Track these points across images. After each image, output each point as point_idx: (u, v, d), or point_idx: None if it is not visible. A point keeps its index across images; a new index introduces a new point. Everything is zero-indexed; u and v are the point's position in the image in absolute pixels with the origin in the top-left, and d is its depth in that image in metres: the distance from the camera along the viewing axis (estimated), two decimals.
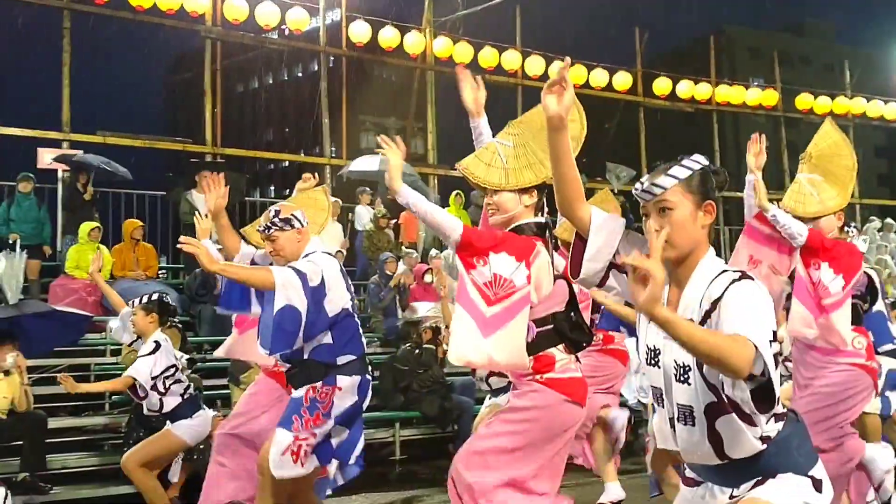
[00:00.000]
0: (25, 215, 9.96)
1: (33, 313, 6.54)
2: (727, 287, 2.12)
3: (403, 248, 11.94)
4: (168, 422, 5.53)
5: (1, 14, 13.31)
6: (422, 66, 15.36)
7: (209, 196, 4.60)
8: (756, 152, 4.84)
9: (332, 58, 15.27)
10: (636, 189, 2.32)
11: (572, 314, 3.46)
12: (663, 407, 2.30)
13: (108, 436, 7.50)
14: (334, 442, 4.23)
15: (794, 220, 4.73)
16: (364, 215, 12.44)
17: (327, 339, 4.16)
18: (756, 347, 1.97)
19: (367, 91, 28.58)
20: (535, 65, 15.37)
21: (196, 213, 5.29)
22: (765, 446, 2.21)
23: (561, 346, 3.41)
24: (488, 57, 14.95)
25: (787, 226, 4.69)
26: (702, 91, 17.45)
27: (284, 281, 3.97)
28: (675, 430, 2.28)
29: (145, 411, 5.63)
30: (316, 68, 26.47)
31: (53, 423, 6.95)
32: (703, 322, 2.14)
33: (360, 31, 13.80)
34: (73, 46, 11.63)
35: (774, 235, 4.84)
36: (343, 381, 4.19)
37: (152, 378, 5.38)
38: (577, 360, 3.51)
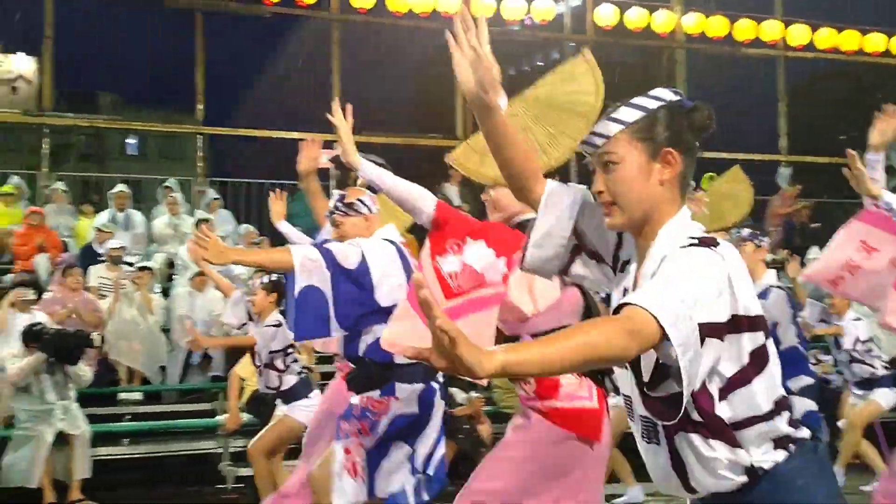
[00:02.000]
0: (305, 209, 11.03)
1: None
2: (675, 252, 1.61)
3: None
4: (282, 404, 5.50)
5: (275, 30, 14.75)
6: (671, 45, 14.93)
7: (300, 157, 4.39)
8: (885, 128, 3.98)
9: (574, 44, 15.26)
10: (579, 143, 1.83)
11: None
12: (634, 421, 1.79)
13: None
14: (395, 457, 3.75)
15: None
16: None
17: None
18: (657, 321, 1.43)
19: (612, 75, 28.08)
20: (798, 34, 14.31)
21: (275, 191, 5.29)
22: (745, 479, 1.65)
23: None
24: (745, 28, 14.14)
25: None
26: None
27: (303, 259, 3.56)
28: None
29: (263, 389, 5.63)
30: (557, 56, 26.55)
31: None
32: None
33: (606, 15, 13.69)
34: (341, 54, 12.65)
35: None
36: (402, 389, 3.71)
37: (270, 353, 5.39)
38: (599, 385, 2.86)
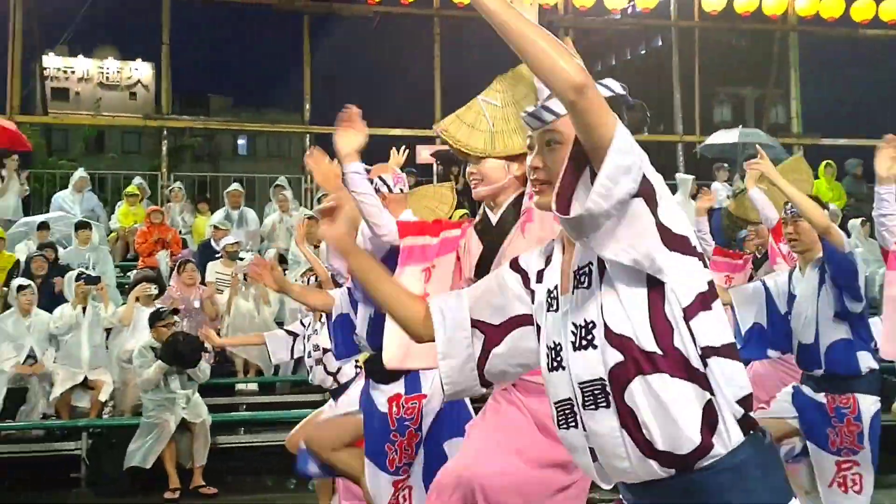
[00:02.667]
0: None
1: None
2: None
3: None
4: (334, 399, 5.15)
5: (378, 29, 14.96)
6: (783, 28, 14.35)
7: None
8: (891, 155, 3.75)
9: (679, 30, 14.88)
10: (523, 113, 1.77)
11: None
12: (576, 427, 1.67)
13: None
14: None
15: None
16: (721, 192, 11.97)
17: None
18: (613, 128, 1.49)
19: (720, 61, 27.23)
20: None
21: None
22: (699, 441, 1.52)
23: None
24: (863, 8, 13.44)
25: None
26: None
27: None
28: (594, 457, 1.65)
29: (315, 380, 5.24)
30: (659, 44, 25.86)
31: None
32: (601, 274, 1.59)
33: (713, 0, 13.27)
34: (442, 50, 12.75)
35: None
36: (427, 384, 3.59)
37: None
38: None
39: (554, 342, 1.70)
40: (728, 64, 27.06)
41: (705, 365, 1.54)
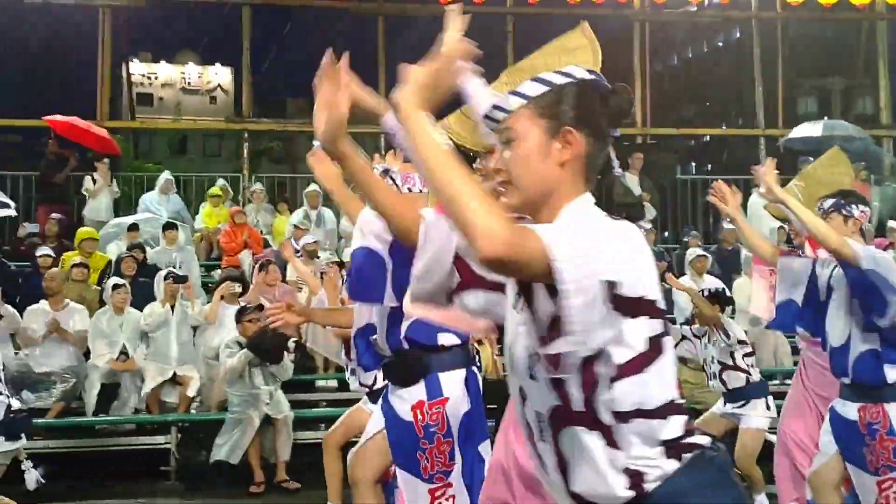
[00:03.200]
0: None
1: None
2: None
3: None
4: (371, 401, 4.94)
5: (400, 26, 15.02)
6: (870, 17, 13.82)
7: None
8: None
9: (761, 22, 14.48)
10: (478, 115, 1.71)
11: None
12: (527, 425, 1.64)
13: None
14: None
15: None
16: None
17: None
18: (547, 252, 1.35)
19: (805, 52, 26.38)
20: None
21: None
22: (632, 494, 1.46)
23: None
24: None
25: None
26: None
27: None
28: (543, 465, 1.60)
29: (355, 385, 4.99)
30: (738, 35, 25.19)
31: None
32: (552, 293, 1.43)
33: None
34: (515, 48, 12.69)
35: None
36: (448, 384, 3.38)
37: None
38: None
39: (510, 347, 1.64)
40: (812, 54, 26.17)
41: (619, 424, 1.48)
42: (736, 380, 5.43)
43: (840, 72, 25.24)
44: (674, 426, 1.50)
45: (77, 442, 7.21)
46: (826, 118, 13.78)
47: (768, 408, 5.43)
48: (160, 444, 7.25)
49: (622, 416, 1.47)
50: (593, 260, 1.39)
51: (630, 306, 1.45)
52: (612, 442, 1.48)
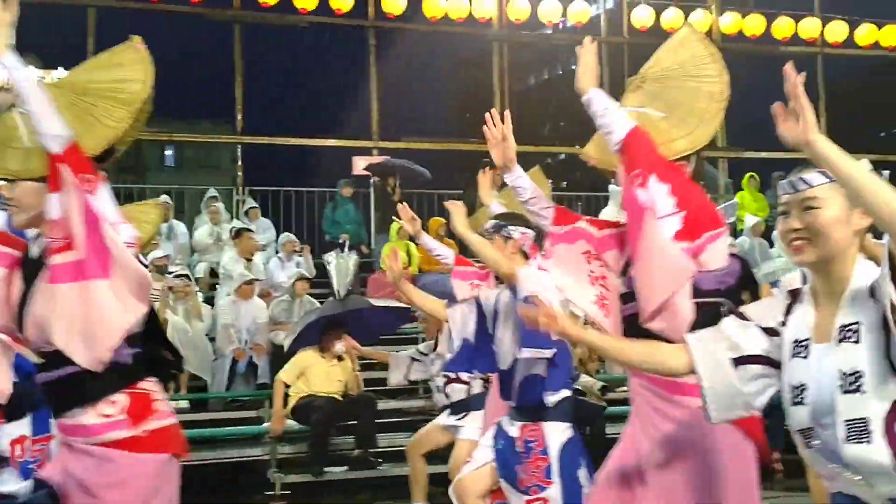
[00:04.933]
0: (347, 217, 11.12)
1: (357, 309, 7.30)
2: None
3: None
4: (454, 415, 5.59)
5: (312, 39, 14.86)
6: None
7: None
8: None
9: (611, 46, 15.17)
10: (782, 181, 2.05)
11: None
12: (818, 440, 1.96)
13: (424, 417, 8.08)
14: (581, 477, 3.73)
15: None
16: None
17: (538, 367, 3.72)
18: None
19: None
20: (837, 31, 14.12)
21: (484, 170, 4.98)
22: None
23: None
24: (783, 27, 13.96)
25: None
26: None
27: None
28: (843, 463, 1.92)
29: (438, 404, 5.85)
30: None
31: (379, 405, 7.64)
32: (884, 327, 1.84)
33: (641, 16, 13.59)
34: (377, 61, 12.69)
35: None
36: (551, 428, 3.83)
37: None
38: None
39: (800, 381, 1.99)
40: None
41: None
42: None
43: None
44: None
45: None
46: None
47: None
48: None
49: None
50: None
51: None
52: None
